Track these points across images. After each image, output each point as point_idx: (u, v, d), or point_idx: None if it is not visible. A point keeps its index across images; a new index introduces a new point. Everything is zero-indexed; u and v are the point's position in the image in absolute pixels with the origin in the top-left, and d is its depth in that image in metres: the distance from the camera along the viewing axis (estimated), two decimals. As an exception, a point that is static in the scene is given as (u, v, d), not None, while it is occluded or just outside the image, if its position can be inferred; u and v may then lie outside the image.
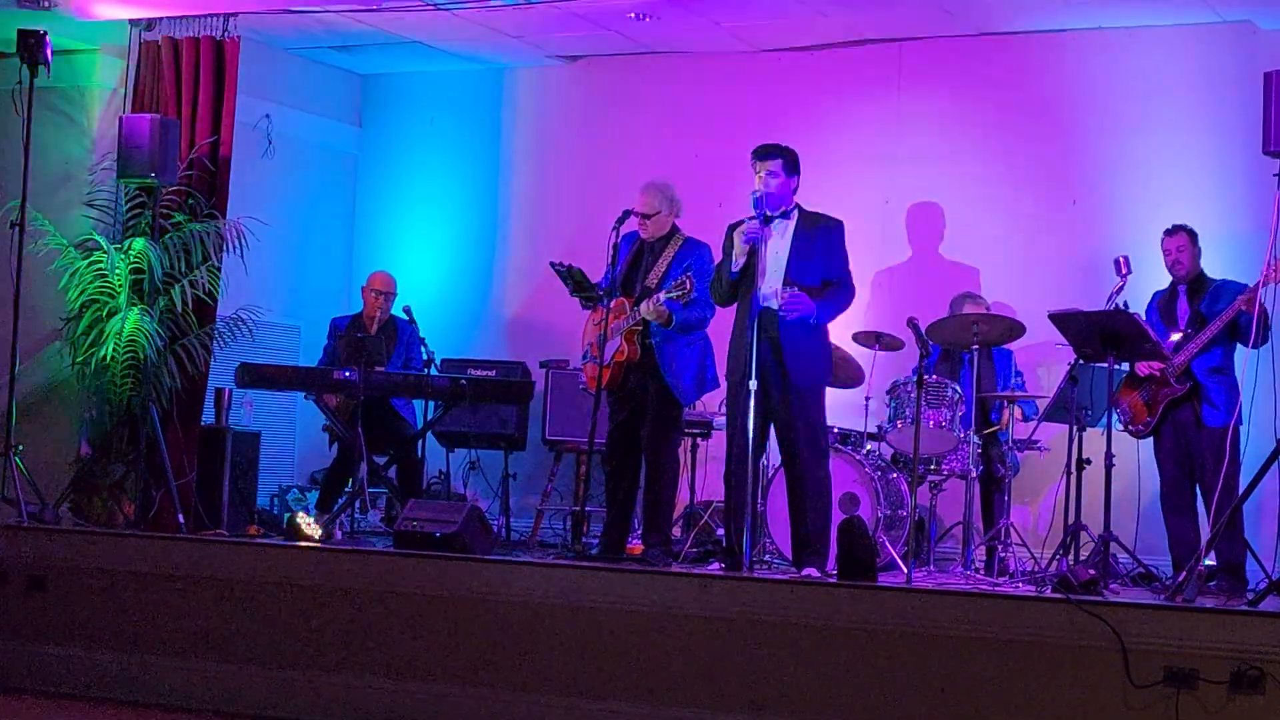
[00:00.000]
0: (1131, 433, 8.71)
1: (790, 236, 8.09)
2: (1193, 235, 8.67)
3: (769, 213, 7.98)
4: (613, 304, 8.56)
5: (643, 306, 8.42)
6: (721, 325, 8.38)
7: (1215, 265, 8.75)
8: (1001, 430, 9.28)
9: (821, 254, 8.09)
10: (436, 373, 10.19)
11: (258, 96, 11.10)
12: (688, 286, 8.20)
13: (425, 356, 10.27)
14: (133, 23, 10.49)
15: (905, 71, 10.77)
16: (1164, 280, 9.09)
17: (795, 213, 8.15)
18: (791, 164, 8.12)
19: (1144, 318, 8.45)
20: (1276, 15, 9.75)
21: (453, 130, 12.10)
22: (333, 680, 7.72)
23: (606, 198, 9.82)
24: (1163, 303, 8.77)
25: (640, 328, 8.48)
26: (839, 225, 8.19)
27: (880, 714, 6.78)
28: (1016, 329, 8.96)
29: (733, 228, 8.24)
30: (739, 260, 7.99)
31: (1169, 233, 8.70)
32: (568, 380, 10.46)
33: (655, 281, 8.51)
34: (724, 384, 8.30)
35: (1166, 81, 10.07)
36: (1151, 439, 8.68)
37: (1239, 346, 8.43)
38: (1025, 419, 9.44)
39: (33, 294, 9.55)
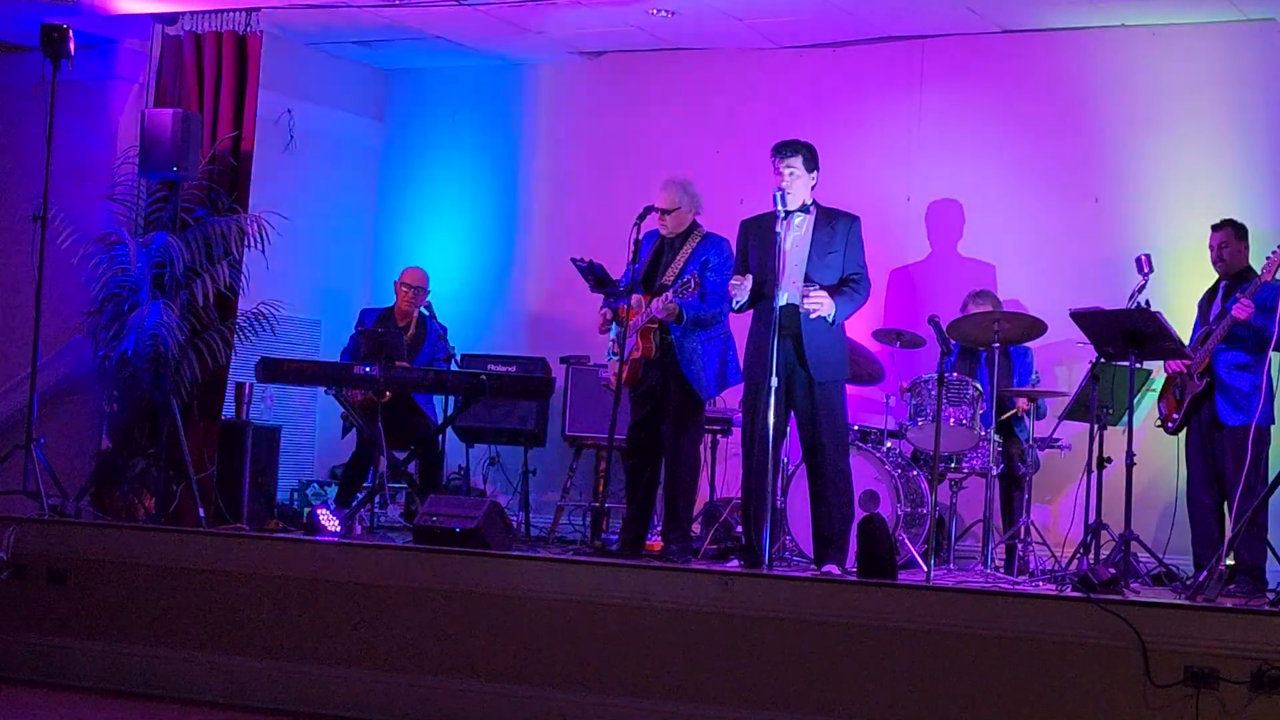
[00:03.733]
0: (1164, 429, 8.70)
1: (809, 233, 8.09)
2: (1238, 230, 8.61)
3: (789, 209, 7.98)
4: (633, 300, 8.56)
5: (654, 305, 8.42)
6: (740, 321, 8.39)
7: (1237, 264, 8.73)
8: (1019, 424, 9.25)
9: (840, 251, 8.08)
10: (457, 368, 10.20)
11: (280, 91, 11.13)
12: (692, 285, 8.21)
13: (445, 352, 10.29)
14: (156, 17, 10.51)
15: (927, 69, 10.76)
16: (1182, 279, 9.10)
17: (813, 209, 8.15)
18: (811, 160, 8.12)
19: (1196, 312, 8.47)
20: (1300, 14, 9.73)
21: (474, 125, 12.10)
22: (351, 674, 7.73)
23: (628, 193, 9.82)
24: (1204, 297, 8.74)
25: (656, 325, 8.49)
26: (856, 221, 8.19)
27: (899, 711, 6.77)
28: (1037, 327, 8.93)
29: (746, 224, 8.25)
30: (737, 302, 8.06)
31: (1214, 227, 8.65)
32: (588, 376, 10.46)
33: (671, 278, 8.52)
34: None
35: (1189, 79, 10.03)
36: (1184, 437, 8.67)
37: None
38: (1039, 415, 9.40)
39: (55, 288, 9.58)
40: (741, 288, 8.01)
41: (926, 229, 10.67)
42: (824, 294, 7.93)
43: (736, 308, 8.14)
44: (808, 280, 7.98)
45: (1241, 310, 8.18)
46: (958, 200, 10.58)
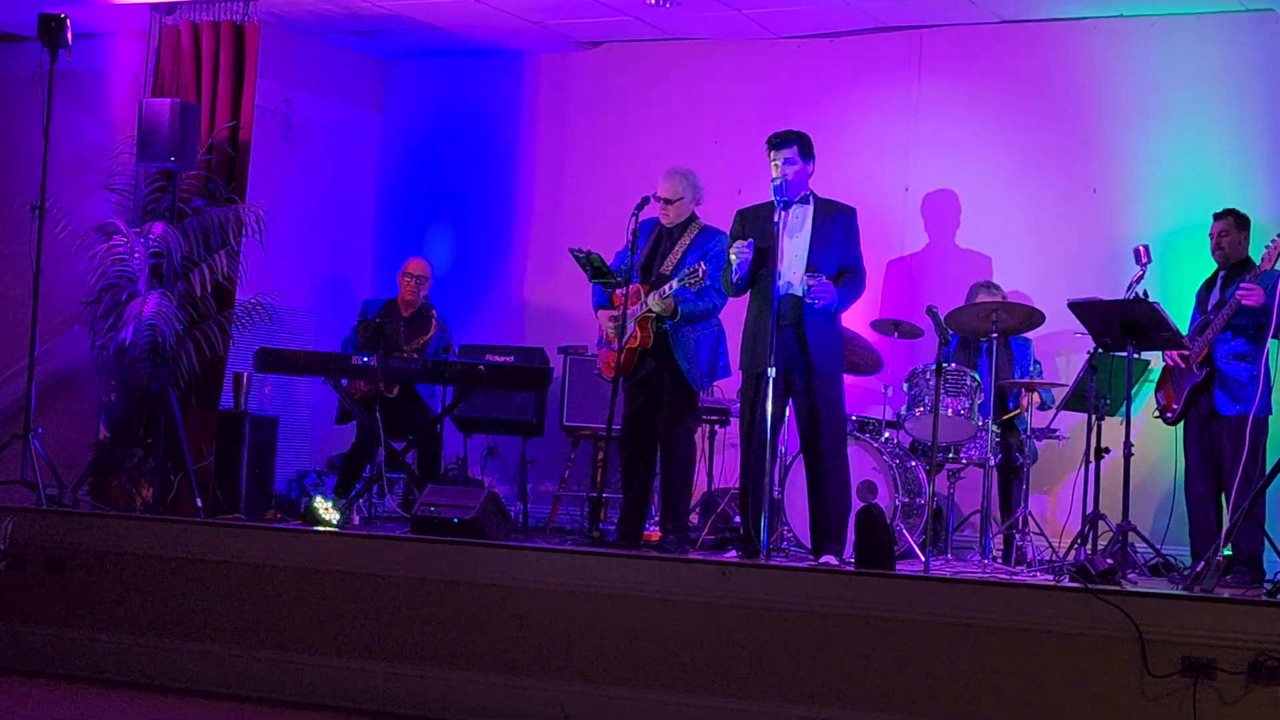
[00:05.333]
0: (1163, 420, 8.70)
1: (809, 223, 8.09)
2: (1240, 220, 8.59)
3: (788, 200, 7.98)
4: (630, 289, 8.56)
5: (650, 298, 8.43)
6: (734, 315, 8.38)
7: (1236, 255, 8.71)
8: (1019, 416, 9.25)
9: (839, 242, 8.10)
10: (454, 358, 10.19)
11: (278, 81, 11.10)
12: (700, 274, 8.20)
13: (444, 343, 10.28)
14: (153, 6, 10.50)
15: (925, 59, 10.74)
16: (1180, 269, 9.09)
17: (811, 199, 8.15)
18: (806, 149, 8.12)
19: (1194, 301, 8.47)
20: (1299, 4, 9.72)
21: (472, 115, 12.09)
22: (348, 665, 7.73)
23: (625, 184, 9.81)
24: (1203, 287, 8.73)
25: (653, 315, 8.49)
26: (853, 213, 8.20)
27: (897, 702, 6.78)
28: (1035, 317, 8.93)
29: (742, 213, 8.25)
30: (737, 271, 8.01)
31: (1216, 216, 8.64)
32: (586, 366, 10.46)
33: (670, 268, 8.51)
34: (735, 372, 8.31)
35: (1188, 70, 10.02)
36: (1182, 427, 8.67)
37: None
38: (1043, 406, 9.40)
39: (52, 278, 9.57)
40: (744, 251, 7.98)
41: (924, 219, 10.67)
42: (829, 284, 7.94)
43: (735, 279, 8.10)
44: (810, 270, 7.98)
45: (1255, 298, 8.13)
46: (955, 191, 10.57)
